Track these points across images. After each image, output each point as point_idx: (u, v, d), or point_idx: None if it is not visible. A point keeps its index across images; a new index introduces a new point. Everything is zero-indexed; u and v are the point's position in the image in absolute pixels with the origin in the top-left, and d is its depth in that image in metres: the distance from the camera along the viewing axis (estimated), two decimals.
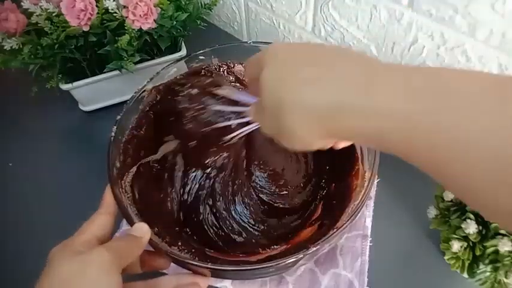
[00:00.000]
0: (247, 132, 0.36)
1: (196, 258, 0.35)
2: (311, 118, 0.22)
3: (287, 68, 0.24)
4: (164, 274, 0.35)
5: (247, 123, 0.35)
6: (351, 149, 0.43)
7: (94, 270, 0.26)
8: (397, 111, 0.19)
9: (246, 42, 0.49)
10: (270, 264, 0.31)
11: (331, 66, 0.23)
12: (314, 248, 0.31)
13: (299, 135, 0.24)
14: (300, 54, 0.25)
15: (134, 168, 0.41)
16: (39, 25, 0.47)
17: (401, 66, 0.21)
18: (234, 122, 0.38)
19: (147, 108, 0.44)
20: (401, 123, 0.19)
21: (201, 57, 0.47)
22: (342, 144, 0.30)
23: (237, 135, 0.38)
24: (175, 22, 0.54)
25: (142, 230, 0.32)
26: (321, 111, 0.22)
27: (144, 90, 0.43)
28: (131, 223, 0.33)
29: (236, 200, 0.48)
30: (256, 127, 0.34)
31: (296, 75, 0.23)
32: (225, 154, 0.48)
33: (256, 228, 0.46)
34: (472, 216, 0.37)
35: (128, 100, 0.42)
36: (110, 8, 0.48)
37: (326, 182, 0.47)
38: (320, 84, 0.22)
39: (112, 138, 0.38)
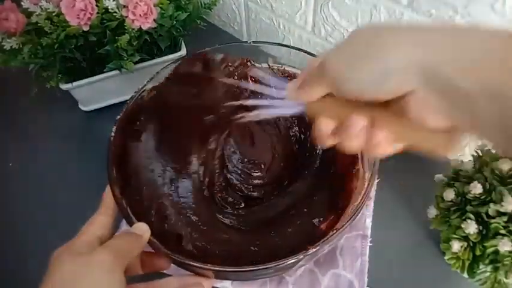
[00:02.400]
0: (275, 114, 0.32)
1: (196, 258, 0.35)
2: (418, 50, 0.20)
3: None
4: (167, 275, 0.35)
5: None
6: None
7: (97, 271, 0.26)
8: None
9: (246, 42, 0.49)
10: (270, 265, 0.31)
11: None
12: (314, 249, 0.31)
13: (386, 62, 0.21)
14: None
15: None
16: (39, 25, 0.47)
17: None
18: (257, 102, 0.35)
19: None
20: None
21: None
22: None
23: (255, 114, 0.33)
24: (175, 22, 0.54)
25: (142, 229, 0.32)
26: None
27: (144, 90, 0.43)
28: (131, 223, 0.33)
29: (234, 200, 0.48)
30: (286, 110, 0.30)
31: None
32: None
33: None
34: (472, 216, 0.37)
35: (128, 100, 0.42)
36: (109, 7, 0.48)
37: (326, 183, 0.47)
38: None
39: (112, 138, 0.38)
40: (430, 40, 0.21)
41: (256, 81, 0.41)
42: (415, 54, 0.20)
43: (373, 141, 0.25)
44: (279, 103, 0.30)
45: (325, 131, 0.27)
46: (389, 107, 0.23)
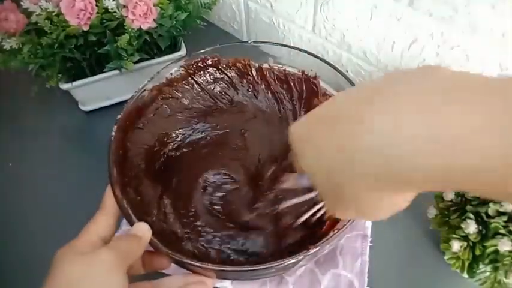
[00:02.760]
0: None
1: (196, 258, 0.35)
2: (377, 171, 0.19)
3: (319, 145, 0.21)
4: (167, 275, 0.35)
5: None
6: None
7: (99, 271, 0.26)
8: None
9: (246, 41, 0.49)
10: (271, 265, 0.31)
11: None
12: (314, 249, 0.31)
13: (369, 199, 0.21)
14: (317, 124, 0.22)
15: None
16: (38, 25, 0.47)
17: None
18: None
19: None
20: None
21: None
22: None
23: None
24: (175, 22, 0.54)
25: (143, 229, 0.32)
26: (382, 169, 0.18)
27: (145, 90, 0.43)
28: (131, 223, 0.33)
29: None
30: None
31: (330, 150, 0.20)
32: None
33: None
34: (472, 216, 0.37)
35: (128, 100, 0.42)
36: (109, 7, 0.48)
37: None
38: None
39: (112, 138, 0.38)
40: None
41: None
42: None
43: None
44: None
45: None
46: None
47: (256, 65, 0.49)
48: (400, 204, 0.22)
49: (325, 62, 0.43)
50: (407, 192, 0.21)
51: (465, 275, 0.39)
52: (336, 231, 0.33)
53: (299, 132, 0.24)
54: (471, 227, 0.36)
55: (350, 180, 0.20)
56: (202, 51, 0.46)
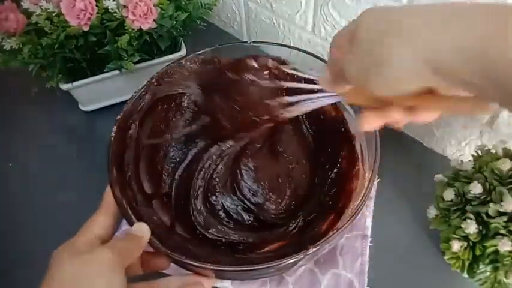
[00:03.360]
0: (316, 105, 0.33)
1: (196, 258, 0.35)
2: (420, 53, 0.22)
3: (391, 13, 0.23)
4: (167, 275, 0.35)
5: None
6: (351, 150, 0.43)
7: (97, 270, 0.26)
8: None
9: (246, 42, 0.49)
10: (270, 265, 0.31)
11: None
12: (314, 249, 0.31)
13: (397, 70, 0.23)
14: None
15: None
16: (39, 25, 0.47)
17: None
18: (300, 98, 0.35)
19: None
20: None
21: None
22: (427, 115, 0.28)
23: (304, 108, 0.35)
24: (175, 22, 0.54)
25: (142, 230, 0.32)
26: (439, 50, 0.21)
27: (145, 90, 0.43)
28: (131, 223, 0.33)
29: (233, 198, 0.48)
30: (326, 99, 0.33)
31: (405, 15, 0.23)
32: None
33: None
34: (472, 216, 0.37)
35: (128, 100, 0.42)
36: (109, 7, 0.48)
37: (326, 183, 0.47)
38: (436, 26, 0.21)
39: (112, 138, 0.38)
40: (432, 40, 0.21)
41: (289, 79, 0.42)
42: (423, 56, 0.22)
43: (415, 120, 0.27)
44: (316, 96, 0.33)
45: (371, 120, 0.29)
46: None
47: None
48: (415, 81, 0.24)
49: (325, 62, 0.43)
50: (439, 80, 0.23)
51: (465, 275, 0.39)
52: (335, 230, 0.33)
53: (372, 9, 0.25)
54: (471, 227, 0.36)
55: (400, 44, 0.22)
56: (202, 51, 0.46)
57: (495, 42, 0.19)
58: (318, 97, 0.33)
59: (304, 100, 0.34)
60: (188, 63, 0.46)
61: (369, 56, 0.24)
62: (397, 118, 0.28)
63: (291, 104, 0.36)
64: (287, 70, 0.41)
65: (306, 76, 0.37)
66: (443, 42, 0.21)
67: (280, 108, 0.38)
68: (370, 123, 0.29)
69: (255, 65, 0.44)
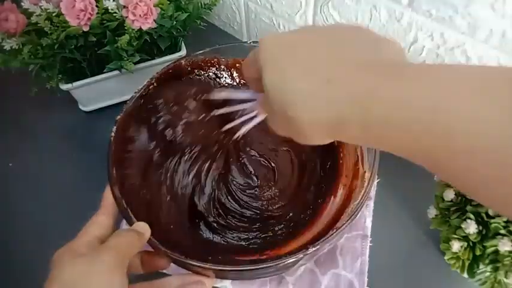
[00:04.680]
0: (252, 125, 0.35)
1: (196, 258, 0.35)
2: (316, 126, 0.23)
3: (284, 72, 0.23)
4: (167, 275, 0.35)
5: (251, 118, 0.34)
6: (352, 149, 0.43)
7: (99, 271, 0.26)
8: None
9: (246, 42, 0.49)
10: (270, 264, 0.31)
11: (329, 71, 0.22)
12: (314, 248, 0.31)
13: (307, 135, 0.24)
14: (293, 50, 0.24)
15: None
16: (39, 25, 0.47)
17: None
18: (238, 121, 0.37)
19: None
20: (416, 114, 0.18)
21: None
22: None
23: (243, 130, 0.36)
24: (175, 22, 0.54)
25: (142, 228, 0.32)
26: (323, 123, 0.22)
27: (144, 90, 0.43)
28: (131, 223, 0.33)
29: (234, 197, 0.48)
30: (261, 119, 0.34)
31: (295, 82, 0.23)
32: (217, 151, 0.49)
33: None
34: (472, 216, 0.37)
35: (128, 100, 0.42)
36: (109, 8, 0.48)
37: (326, 183, 0.47)
38: (319, 99, 0.22)
39: (112, 138, 0.38)
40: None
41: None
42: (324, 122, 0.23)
43: None
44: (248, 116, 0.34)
45: None
46: None
47: None
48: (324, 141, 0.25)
49: None
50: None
51: (465, 275, 0.39)
52: (335, 230, 0.33)
53: (271, 50, 0.25)
54: (471, 227, 0.36)
55: (305, 113, 0.23)
56: (202, 51, 0.46)
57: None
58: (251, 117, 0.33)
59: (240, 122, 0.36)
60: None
61: (283, 122, 0.25)
62: None
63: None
64: (220, 96, 0.40)
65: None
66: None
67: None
68: None
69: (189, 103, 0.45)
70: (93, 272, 0.26)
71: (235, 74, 0.50)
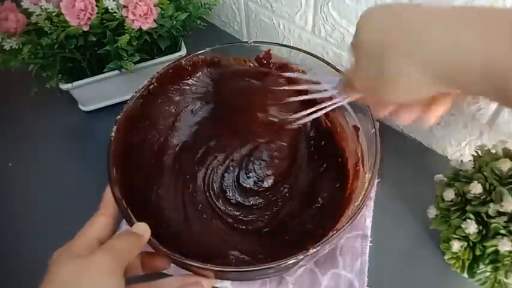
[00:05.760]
0: (331, 107, 0.36)
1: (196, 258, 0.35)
2: (424, 63, 0.23)
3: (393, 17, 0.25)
4: (167, 275, 0.35)
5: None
6: (352, 151, 0.43)
7: (96, 273, 0.26)
8: None
9: (247, 42, 0.49)
10: (270, 266, 0.31)
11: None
12: (314, 250, 0.31)
13: (405, 80, 0.24)
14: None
15: None
16: (39, 25, 0.47)
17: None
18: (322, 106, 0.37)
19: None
20: None
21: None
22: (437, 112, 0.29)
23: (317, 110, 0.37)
24: (175, 22, 0.54)
25: (142, 229, 0.32)
26: (439, 61, 0.22)
27: (144, 90, 0.43)
28: (131, 223, 0.33)
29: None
30: (341, 102, 0.35)
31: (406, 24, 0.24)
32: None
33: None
34: (472, 216, 0.37)
35: (128, 100, 0.42)
36: (109, 7, 0.48)
37: (326, 183, 0.47)
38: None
39: (112, 138, 0.38)
40: (442, 50, 0.22)
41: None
42: (433, 69, 0.23)
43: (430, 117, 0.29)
44: (331, 95, 0.35)
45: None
46: None
47: None
48: (425, 89, 0.25)
49: (325, 62, 0.43)
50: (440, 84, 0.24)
51: (465, 275, 0.39)
52: (335, 230, 0.33)
53: (375, 14, 0.26)
54: (471, 227, 0.36)
55: (403, 55, 0.23)
56: (202, 51, 0.46)
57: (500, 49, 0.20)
58: (331, 103, 0.35)
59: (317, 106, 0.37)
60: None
61: (374, 73, 0.26)
62: (410, 117, 0.29)
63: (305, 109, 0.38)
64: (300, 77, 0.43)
65: (315, 80, 0.38)
66: (454, 54, 0.22)
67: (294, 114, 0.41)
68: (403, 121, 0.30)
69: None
70: (89, 273, 0.26)
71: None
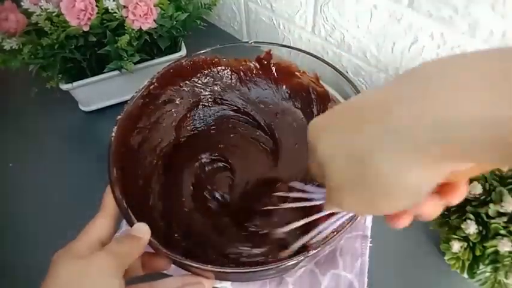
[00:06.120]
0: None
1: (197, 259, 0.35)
2: (407, 147, 0.17)
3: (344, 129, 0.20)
4: (168, 276, 0.35)
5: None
6: None
7: (96, 274, 0.26)
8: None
9: (247, 42, 0.49)
10: (271, 267, 0.31)
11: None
12: (314, 251, 0.31)
13: (396, 177, 0.19)
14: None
15: None
16: (39, 25, 0.47)
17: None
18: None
19: None
20: None
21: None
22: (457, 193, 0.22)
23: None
24: (175, 22, 0.54)
25: (142, 230, 0.32)
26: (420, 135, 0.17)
27: (145, 90, 0.43)
28: (131, 224, 0.33)
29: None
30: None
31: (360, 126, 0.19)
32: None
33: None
34: (472, 216, 0.37)
35: (128, 100, 0.42)
36: (109, 8, 0.48)
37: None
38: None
39: (112, 138, 0.38)
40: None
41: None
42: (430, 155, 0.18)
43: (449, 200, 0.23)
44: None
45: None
46: None
47: None
48: (428, 180, 0.19)
49: (325, 62, 0.43)
50: (443, 163, 0.18)
51: (465, 275, 0.39)
52: (335, 232, 0.33)
53: (319, 123, 0.23)
54: (471, 228, 0.36)
55: (377, 156, 0.18)
56: (202, 51, 0.46)
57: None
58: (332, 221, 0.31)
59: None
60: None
61: (360, 186, 0.20)
62: (429, 211, 0.23)
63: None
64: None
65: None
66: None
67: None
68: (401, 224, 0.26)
69: None
70: (89, 274, 0.26)
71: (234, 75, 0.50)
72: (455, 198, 0.22)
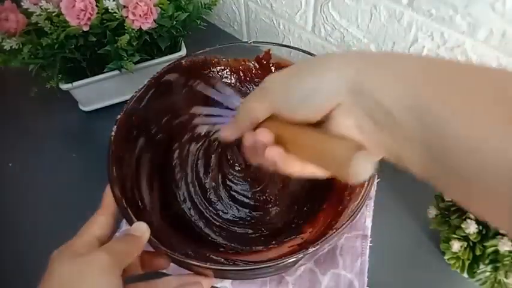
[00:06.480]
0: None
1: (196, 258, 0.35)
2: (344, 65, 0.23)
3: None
4: (167, 274, 0.35)
5: None
6: None
7: (94, 273, 0.26)
8: None
9: (247, 42, 0.49)
10: (270, 264, 0.31)
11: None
12: (313, 248, 0.31)
13: (323, 89, 0.24)
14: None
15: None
16: (39, 25, 0.47)
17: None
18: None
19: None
20: None
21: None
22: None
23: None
24: (175, 22, 0.54)
25: (142, 229, 0.32)
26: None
27: (144, 90, 0.43)
28: (131, 223, 0.33)
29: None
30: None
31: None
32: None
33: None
34: (472, 216, 0.37)
35: (128, 100, 0.42)
36: (109, 7, 0.48)
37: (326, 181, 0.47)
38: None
39: (112, 138, 0.38)
40: (359, 62, 0.23)
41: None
42: (347, 73, 0.23)
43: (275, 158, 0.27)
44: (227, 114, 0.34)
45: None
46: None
47: None
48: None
49: None
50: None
51: (465, 275, 0.39)
52: (335, 230, 0.33)
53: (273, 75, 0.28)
54: (471, 227, 0.36)
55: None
56: (202, 51, 0.46)
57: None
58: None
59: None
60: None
61: (298, 69, 0.26)
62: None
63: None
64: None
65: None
66: (371, 68, 0.23)
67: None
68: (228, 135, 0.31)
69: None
70: (87, 272, 0.26)
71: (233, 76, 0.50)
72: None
